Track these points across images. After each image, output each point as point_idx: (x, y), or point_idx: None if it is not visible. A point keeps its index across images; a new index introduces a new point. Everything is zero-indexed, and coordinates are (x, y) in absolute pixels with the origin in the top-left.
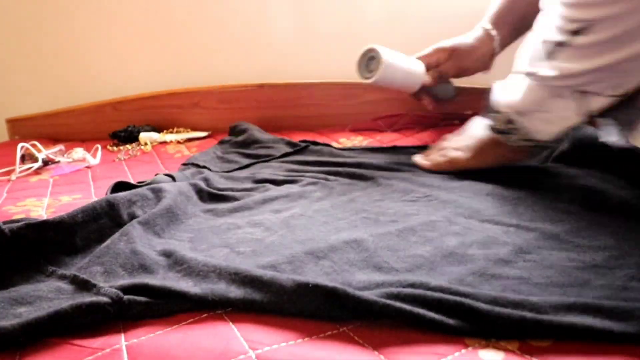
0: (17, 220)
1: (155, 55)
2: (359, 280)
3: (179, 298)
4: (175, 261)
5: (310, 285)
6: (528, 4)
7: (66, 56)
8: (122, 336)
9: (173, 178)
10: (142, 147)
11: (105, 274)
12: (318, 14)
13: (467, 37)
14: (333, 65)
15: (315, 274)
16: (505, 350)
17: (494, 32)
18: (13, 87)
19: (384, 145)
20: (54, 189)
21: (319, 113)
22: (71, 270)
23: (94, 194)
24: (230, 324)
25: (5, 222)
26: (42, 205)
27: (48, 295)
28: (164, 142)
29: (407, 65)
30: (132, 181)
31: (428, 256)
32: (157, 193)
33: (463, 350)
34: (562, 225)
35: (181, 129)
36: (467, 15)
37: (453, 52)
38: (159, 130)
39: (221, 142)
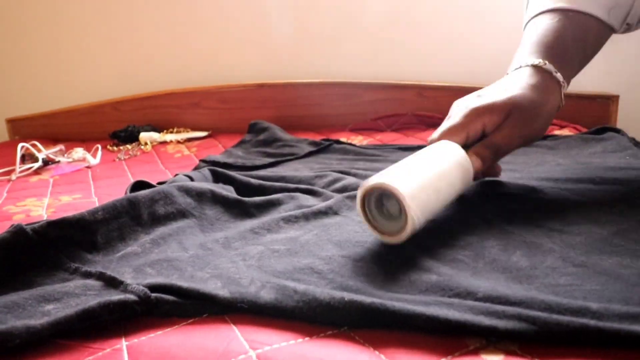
0: (35, 223)
1: (156, 55)
2: (401, 283)
3: (208, 300)
4: (207, 263)
5: (346, 299)
6: (581, 27)
7: (66, 56)
8: (123, 336)
9: (191, 179)
10: (142, 147)
11: (133, 272)
12: (318, 14)
13: (522, 85)
14: (333, 65)
15: (356, 277)
16: (506, 350)
17: (559, 76)
18: (13, 87)
19: (384, 144)
20: (54, 188)
21: (318, 113)
22: (96, 267)
23: (94, 193)
24: (231, 324)
25: (29, 224)
26: (42, 205)
27: (75, 291)
28: (164, 142)
29: (440, 184)
30: (133, 180)
31: (469, 261)
32: (184, 191)
33: (464, 350)
34: (610, 227)
35: (181, 129)
36: (468, 16)
37: (511, 113)
38: (159, 130)
39: (242, 142)
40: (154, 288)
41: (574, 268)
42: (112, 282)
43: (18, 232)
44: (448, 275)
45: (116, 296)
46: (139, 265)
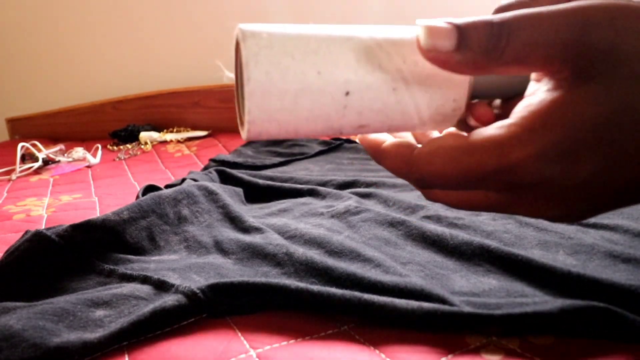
0: (52, 228)
1: (156, 54)
2: (460, 286)
3: (276, 291)
4: (253, 270)
5: (439, 313)
6: None
7: (66, 56)
8: None
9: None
10: (142, 146)
11: (180, 278)
12: (317, 13)
13: None
14: None
15: (414, 280)
16: (506, 348)
17: None
18: (13, 87)
19: None
20: (54, 188)
21: None
22: (133, 269)
23: (94, 193)
24: (231, 323)
25: (47, 229)
26: (42, 204)
27: (123, 292)
28: (164, 142)
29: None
30: (134, 181)
31: (521, 265)
32: (204, 191)
33: (464, 349)
34: None
35: (181, 128)
36: (467, 15)
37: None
38: (159, 129)
39: (251, 141)
40: (206, 289)
41: (626, 265)
42: (162, 286)
43: (41, 239)
44: (506, 281)
45: (169, 300)
46: (182, 271)
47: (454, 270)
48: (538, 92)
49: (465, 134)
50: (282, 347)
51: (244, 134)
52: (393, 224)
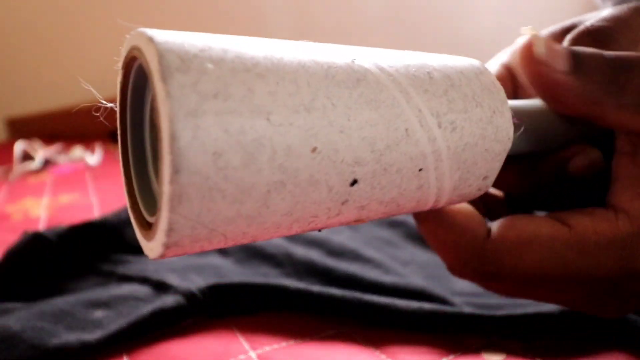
0: (52, 228)
1: None
2: (461, 286)
3: (273, 293)
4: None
5: (439, 314)
6: None
7: (66, 55)
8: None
9: None
10: None
11: (179, 278)
12: (317, 13)
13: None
14: None
15: (415, 281)
16: (507, 349)
17: None
18: (13, 87)
19: None
20: (53, 188)
21: None
22: (131, 270)
23: (93, 193)
24: (231, 324)
25: (46, 229)
26: (40, 204)
27: (122, 293)
28: None
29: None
30: None
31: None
32: None
33: (464, 349)
34: None
35: None
36: (468, 14)
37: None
38: None
39: None
40: (205, 290)
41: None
42: (161, 287)
43: (39, 240)
44: None
45: (168, 301)
46: (181, 271)
47: None
48: None
49: (559, 221)
50: (282, 348)
51: (151, 252)
52: (393, 224)
